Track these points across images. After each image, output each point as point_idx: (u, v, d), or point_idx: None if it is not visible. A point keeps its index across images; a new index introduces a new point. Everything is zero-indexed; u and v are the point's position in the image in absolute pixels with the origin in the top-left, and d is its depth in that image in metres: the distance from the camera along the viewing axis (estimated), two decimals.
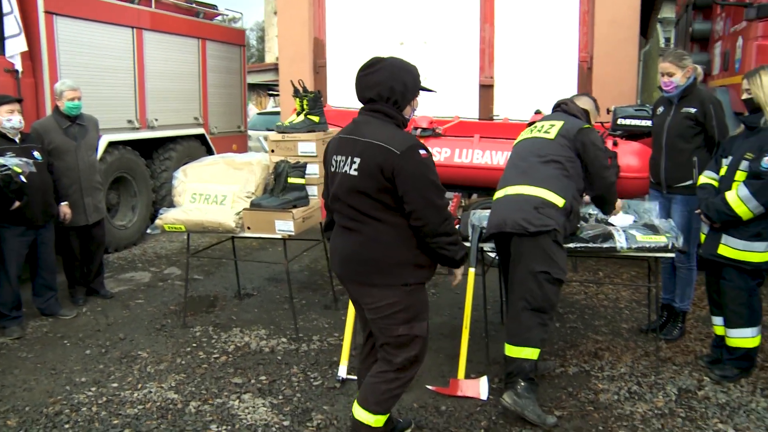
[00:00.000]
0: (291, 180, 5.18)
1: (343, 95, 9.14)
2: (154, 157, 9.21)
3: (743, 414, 4.03)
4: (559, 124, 4.20)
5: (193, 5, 10.23)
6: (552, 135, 4.16)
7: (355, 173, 3.05)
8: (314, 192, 5.47)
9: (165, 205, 8.37)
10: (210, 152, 9.91)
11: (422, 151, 3.03)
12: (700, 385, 4.39)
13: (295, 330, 5.32)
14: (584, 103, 4.52)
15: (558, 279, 3.95)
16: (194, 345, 5.12)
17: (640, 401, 4.18)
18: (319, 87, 9.62)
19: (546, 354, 4.79)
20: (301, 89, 5.58)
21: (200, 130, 10.02)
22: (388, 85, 3.09)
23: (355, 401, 3.38)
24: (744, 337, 4.38)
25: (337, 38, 9.93)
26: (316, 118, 5.55)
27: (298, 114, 5.58)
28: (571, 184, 4.06)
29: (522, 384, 3.87)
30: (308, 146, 5.46)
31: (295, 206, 5.12)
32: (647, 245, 4.34)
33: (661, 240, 4.35)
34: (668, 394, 4.26)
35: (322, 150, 5.43)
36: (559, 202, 3.96)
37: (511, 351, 3.94)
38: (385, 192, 3.03)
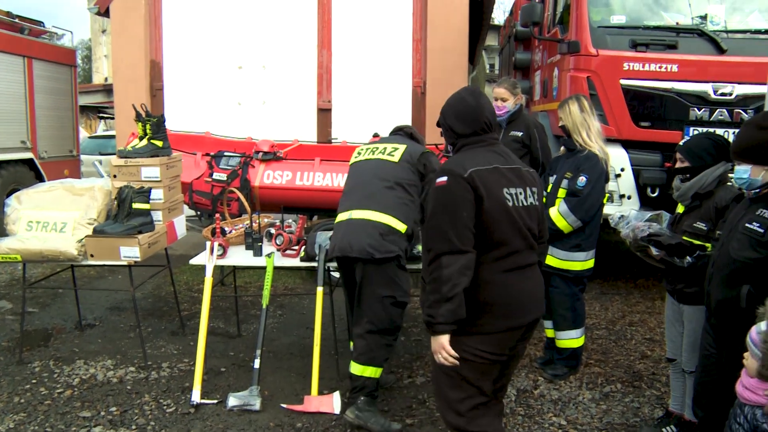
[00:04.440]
0: (136, 205, 5.08)
1: (181, 119, 9.00)
2: None
3: (573, 406, 4.49)
4: (402, 147, 4.33)
5: (17, 20, 9.70)
6: (396, 158, 4.27)
7: (537, 202, 3.01)
8: (159, 217, 5.39)
9: None
10: (40, 178, 9.40)
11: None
12: (536, 385, 4.81)
13: (143, 358, 5.20)
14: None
15: (403, 302, 4.15)
16: (34, 381, 4.87)
17: None
18: (156, 110, 9.42)
19: (393, 366, 5.04)
20: (143, 113, 5.50)
21: (28, 155, 9.50)
22: None
23: None
24: (571, 338, 4.86)
25: (174, 61, 9.77)
26: (159, 143, 5.48)
27: (141, 138, 5.49)
28: (413, 209, 4.21)
29: (362, 399, 4.10)
30: (152, 171, 5.37)
31: (140, 232, 5.04)
32: None
33: None
34: (508, 395, 4.61)
35: (165, 175, 5.40)
36: (402, 228, 4.11)
37: (356, 369, 4.12)
38: None
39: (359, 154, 4.49)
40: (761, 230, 2.91)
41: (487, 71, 26.26)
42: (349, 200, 4.29)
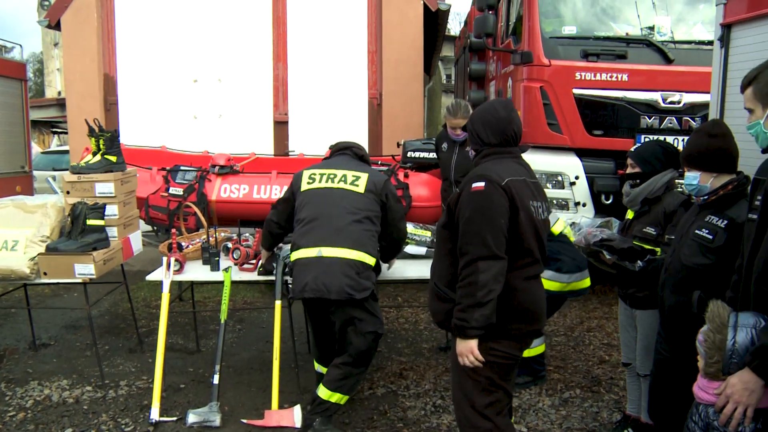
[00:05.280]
0: (90, 222, 4.99)
1: (136, 133, 8.90)
2: None
3: (533, 413, 4.54)
4: (364, 176, 4.21)
5: None
6: (361, 189, 4.15)
7: (548, 217, 3.15)
8: (114, 233, 5.31)
9: None
10: None
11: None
12: None
13: (100, 377, 5.10)
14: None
15: (381, 333, 4.17)
16: None
17: (444, 413, 4.53)
18: (110, 125, 9.30)
19: None
20: (96, 128, 5.42)
21: None
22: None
23: None
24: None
25: (128, 74, 9.68)
26: (113, 158, 5.40)
27: (95, 154, 5.41)
28: (377, 241, 4.21)
29: (317, 420, 4.06)
30: (106, 187, 5.29)
31: (95, 248, 4.95)
32: None
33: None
34: None
35: (120, 190, 5.32)
36: (372, 261, 4.09)
37: (324, 393, 4.06)
38: None
39: (313, 180, 4.26)
40: (710, 236, 2.99)
41: (444, 81, 26.49)
42: (315, 233, 4.08)
